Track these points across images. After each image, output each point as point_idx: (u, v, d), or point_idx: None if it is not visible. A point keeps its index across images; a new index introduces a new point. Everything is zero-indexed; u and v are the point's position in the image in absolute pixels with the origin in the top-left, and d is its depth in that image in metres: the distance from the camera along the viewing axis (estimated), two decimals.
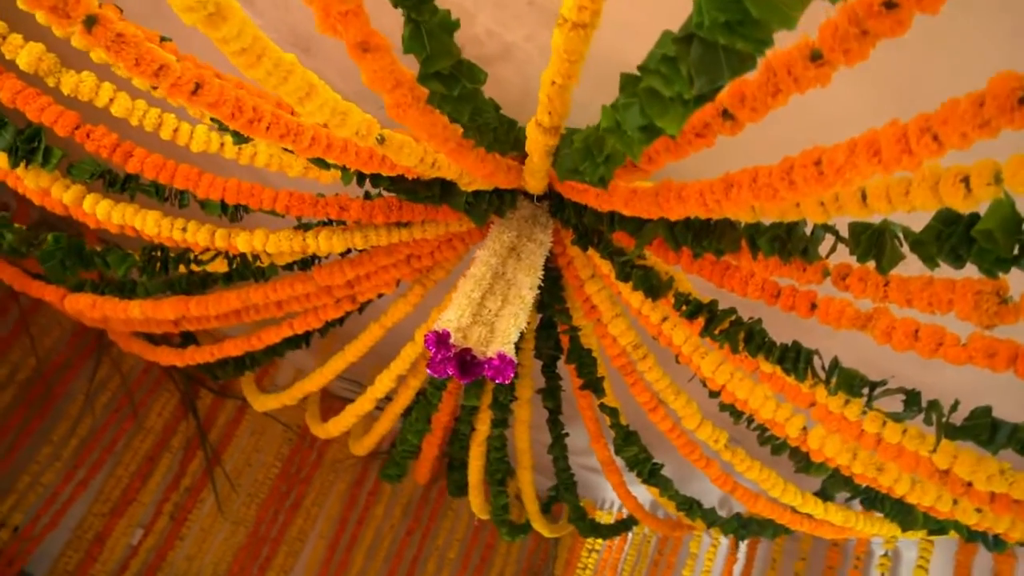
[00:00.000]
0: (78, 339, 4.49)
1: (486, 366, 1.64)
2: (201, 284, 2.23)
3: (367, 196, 1.81)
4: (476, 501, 2.85)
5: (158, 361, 2.73)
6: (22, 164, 1.59)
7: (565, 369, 2.37)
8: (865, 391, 1.33)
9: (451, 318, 1.65)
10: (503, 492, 2.70)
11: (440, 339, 1.63)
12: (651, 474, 2.25)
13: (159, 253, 1.91)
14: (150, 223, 1.74)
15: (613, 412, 2.21)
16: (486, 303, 1.74)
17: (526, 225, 1.84)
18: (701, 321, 1.55)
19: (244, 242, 1.77)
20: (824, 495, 2.11)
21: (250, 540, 4.68)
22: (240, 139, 1.39)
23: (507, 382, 1.65)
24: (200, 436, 4.66)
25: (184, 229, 1.76)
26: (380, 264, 2.03)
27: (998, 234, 0.93)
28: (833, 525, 2.26)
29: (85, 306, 2.31)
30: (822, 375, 1.39)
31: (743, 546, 3.60)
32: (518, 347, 2.20)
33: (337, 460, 4.95)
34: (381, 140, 1.27)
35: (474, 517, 4.66)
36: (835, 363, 1.36)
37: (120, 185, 1.70)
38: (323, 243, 1.80)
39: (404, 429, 2.47)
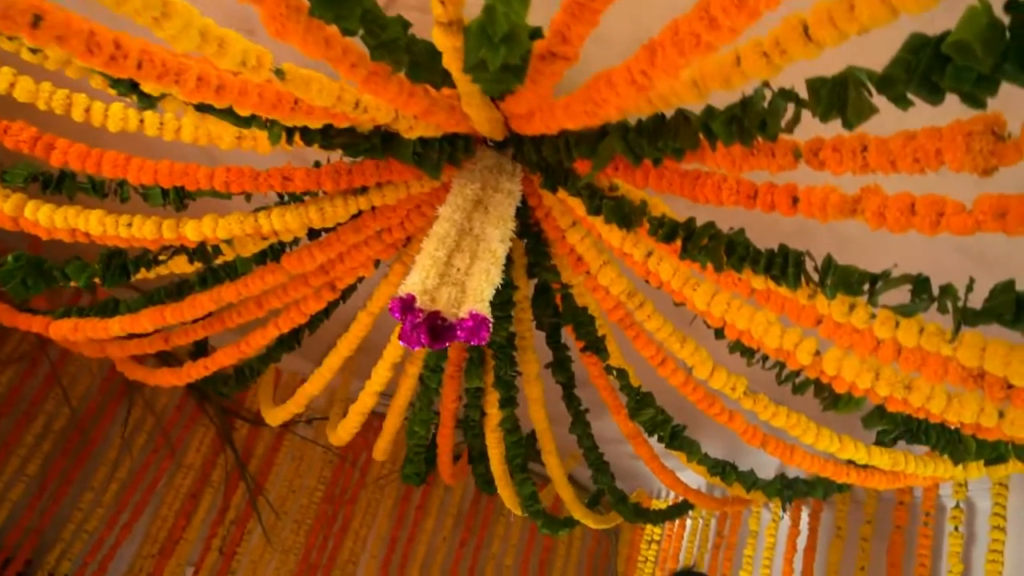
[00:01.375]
0: (108, 384, 4.49)
1: (458, 328, 1.50)
2: (178, 292, 2.14)
3: (317, 166, 1.70)
4: (505, 494, 2.69)
5: (159, 384, 2.65)
6: None
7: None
8: (866, 287, 1.14)
9: (415, 281, 1.52)
10: (527, 480, 2.53)
11: (405, 304, 1.50)
12: (673, 437, 2.07)
13: (117, 258, 1.82)
14: (93, 222, 1.65)
15: (622, 373, 2.04)
16: (453, 262, 1.60)
17: (491, 176, 1.70)
18: (679, 244, 1.38)
19: (193, 230, 1.67)
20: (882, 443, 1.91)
21: (301, 568, 4.58)
22: (145, 102, 1.28)
23: (482, 343, 1.50)
24: (240, 468, 4.60)
25: (129, 225, 1.66)
26: (349, 242, 1.91)
27: (975, 44, 0.76)
28: (883, 472, 2.05)
29: (68, 330, 2.24)
30: (816, 278, 1.21)
31: (805, 516, 3.36)
32: (511, 317, 2.05)
33: (380, 477, 4.84)
34: (280, 75, 1.15)
35: (510, 515, 4.49)
36: (828, 261, 1.18)
37: (55, 185, 1.61)
38: (276, 221, 1.68)
39: (409, 421, 2.34)
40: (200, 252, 1.80)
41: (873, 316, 1.21)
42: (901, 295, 1.13)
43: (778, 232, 1.58)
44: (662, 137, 1.20)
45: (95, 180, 1.63)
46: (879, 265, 1.19)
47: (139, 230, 1.65)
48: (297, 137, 1.43)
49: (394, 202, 1.75)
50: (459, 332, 1.49)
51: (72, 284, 1.88)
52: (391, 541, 4.76)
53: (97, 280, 1.86)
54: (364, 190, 1.72)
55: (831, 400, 1.67)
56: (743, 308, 1.48)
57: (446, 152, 1.58)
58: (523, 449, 2.38)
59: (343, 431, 2.54)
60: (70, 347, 2.89)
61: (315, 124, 1.39)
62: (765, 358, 1.69)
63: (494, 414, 2.30)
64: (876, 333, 1.20)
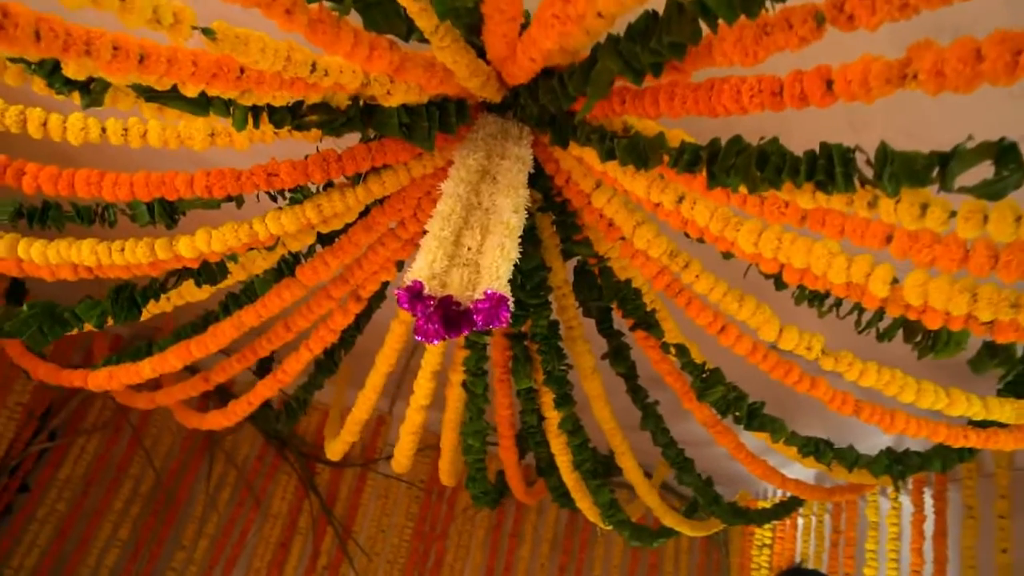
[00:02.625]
0: (189, 442, 4.50)
1: (474, 312, 1.33)
2: (203, 325, 2.04)
3: None
4: (584, 505, 2.47)
5: (210, 428, 2.57)
6: None
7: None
8: (936, 172, 0.90)
9: (422, 266, 1.36)
10: (603, 487, 2.30)
11: (413, 293, 1.34)
12: (751, 416, 1.81)
13: (124, 291, 1.72)
14: (86, 252, 1.56)
15: (681, 350, 1.81)
16: (463, 241, 1.43)
17: (496, 143, 1.53)
18: (704, 174, 1.16)
19: (187, 247, 1.55)
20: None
21: None
22: (86, 97, 1.17)
23: (504, 323, 1.32)
24: (326, 512, 4.52)
25: (122, 250, 1.56)
26: (363, 244, 1.77)
27: None
28: (1008, 430, 1.74)
29: (104, 380, 2.17)
30: (869, 175, 0.97)
31: (928, 499, 2.99)
32: (548, 303, 1.86)
33: (469, 507, 4.66)
34: (210, 34, 1.01)
35: (597, 528, 4.22)
36: (883, 148, 0.95)
37: (40, 218, 1.53)
38: (272, 225, 1.55)
39: (462, 435, 2.16)
40: (205, 272, 1.69)
41: (953, 214, 0.97)
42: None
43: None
44: (655, 35, 1.00)
45: (79, 206, 1.54)
46: None
47: (132, 254, 1.55)
48: (266, 122, 1.29)
49: (396, 188, 1.60)
50: (476, 316, 1.32)
51: (87, 327, 1.80)
52: (487, 572, 4.56)
53: (110, 320, 1.76)
54: (359, 179, 1.58)
55: (926, 343, 1.40)
56: (797, 241, 1.24)
57: (436, 119, 1.41)
58: (590, 452, 2.17)
59: (400, 455, 2.38)
60: (126, 402, 2.85)
61: (278, 100, 1.25)
62: (837, 304, 1.44)
63: (553, 416, 2.10)
64: (961, 233, 0.96)
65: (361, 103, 1.37)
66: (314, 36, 1.06)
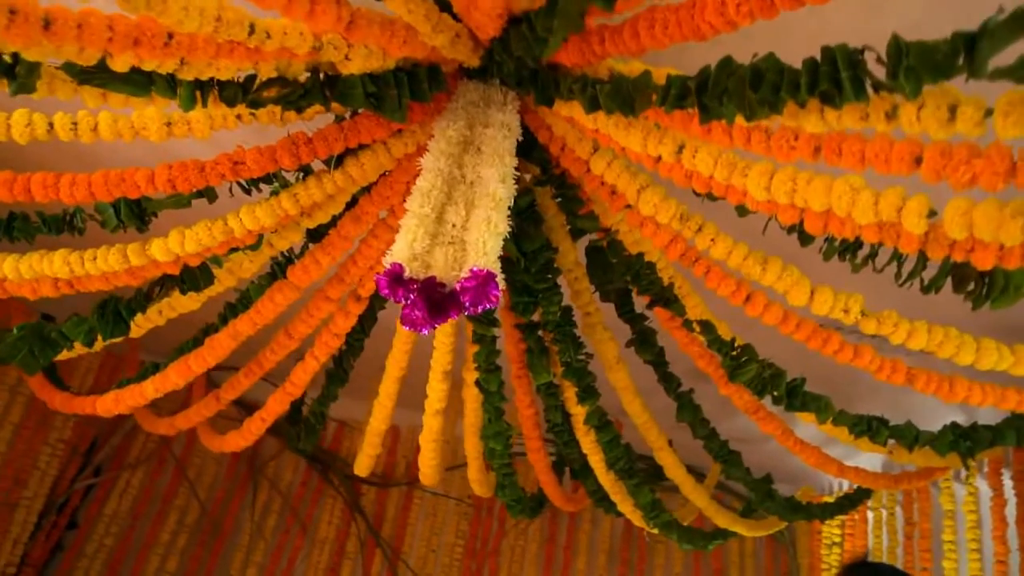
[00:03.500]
0: (232, 470, 4.46)
1: (460, 293, 1.20)
2: (203, 339, 1.95)
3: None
4: (625, 508, 2.30)
5: (231, 449, 2.48)
6: None
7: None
8: (961, 58, 0.74)
9: (401, 247, 1.24)
10: (641, 486, 2.13)
11: (393, 278, 1.22)
12: (792, 394, 1.63)
13: (110, 305, 1.64)
14: (58, 264, 1.48)
15: (707, 326, 1.65)
16: (447, 217, 1.31)
17: (477, 111, 1.40)
18: (696, 109, 1.01)
19: (160, 250, 1.46)
20: None
21: None
22: (16, 84, 1.08)
23: (493, 304, 1.18)
24: (373, 535, 4.41)
25: (95, 259, 1.48)
26: (353, 237, 1.65)
27: None
28: None
29: (111, 404, 2.10)
30: (883, 78, 0.81)
31: (1008, 481, 2.73)
32: (556, 288, 1.71)
33: (520, 521, 4.50)
34: None
35: (645, 533, 4.00)
36: (895, 41, 0.79)
37: (6, 229, 1.46)
38: (247, 220, 1.45)
39: (482, 439, 2.02)
40: (187, 278, 1.59)
41: (988, 113, 0.80)
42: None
43: None
44: None
45: (45, 215, 1.46)
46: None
47: (105, 262, 1.46)
48: (219, 102, 1.19)
49: (377, 170, 1.48)
50: (464, 298, 1.19)
51: (77, 347, 1.72)
52: None
53: (100, 337, 1.68)
54: (335, 162, 1.46)
55: (979, 290, 1.21)
56: (814, 180, 1.08)
57: (405, 86, 1.29)
58: (623, 449, 2.00)
59: (425, 467, 2.24)
60: (150, 428, 2.79)
61: (223, 72, 1.14)
62: (872, 255, 1.26)
63: (578, 412, 1.95)
64: (1000, 133, 0.79)
65: (322, 75, 1.26)
66: None
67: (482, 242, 1.23)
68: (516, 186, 1.35)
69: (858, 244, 1.25)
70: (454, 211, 1.30)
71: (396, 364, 1.98)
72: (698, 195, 1.35)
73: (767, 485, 2.43)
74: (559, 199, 1.59)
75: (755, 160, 1.14)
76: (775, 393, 1.64)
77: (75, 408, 2.30)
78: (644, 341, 1.89)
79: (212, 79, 1.16)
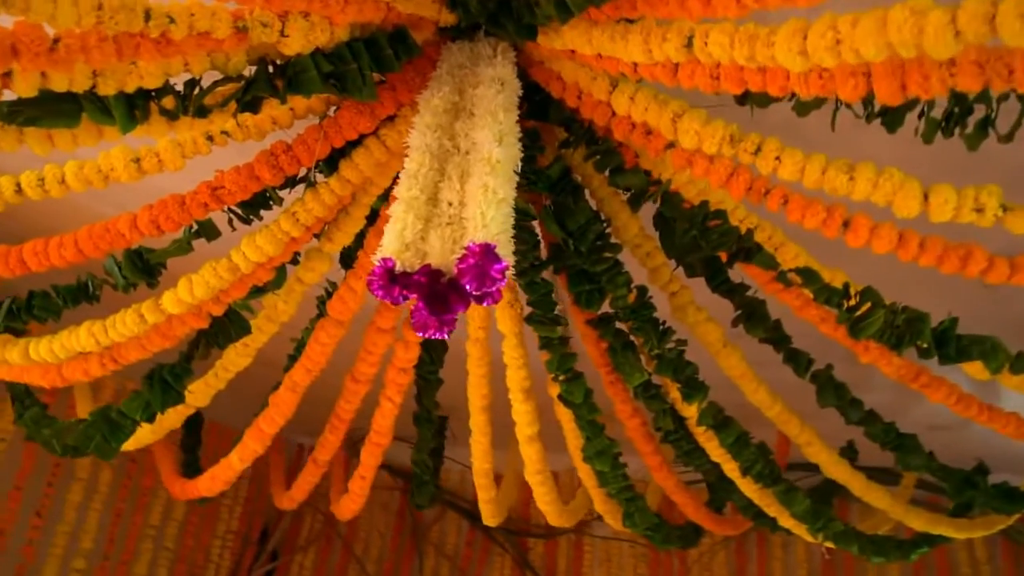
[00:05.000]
0: (397, 541, 4.40)
1: (459, 276, 1.00)
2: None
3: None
4: (786, 520, 1.93)
5: (343, 516, 2.35)
6: None
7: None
8: None
9: (390, 238, 1.06)
10: (791, 490, 1.77)
11: (386, 276, 1.04)
12: (942, 341, 1.26)
13: (157, 375, 1.56)
14: (83, 336, 1.41)
15: (807, 274, 1.32)
16: (442, 196, 1.12)
17: (465, 72, 1.22)
18: None
19: (171, 302, 1.35)
20: None
21: None
22: None
23: (499, 281, 0.98)
24: None
25: (113, 325, 1.40)
26: None
27: None
28: None
29: (210, 484, 2.04)
30: None
31: None
32: (619, 266, 1.45)
33: (704, 554, 4.08)
34: None
35: (822, 549, 3.45)
36: None
37: (28, 310, 1.41)
38: (251, 252, 1.32)
39: (585, 461, 1.75)
40: (219, 330, 1.48)
41: None
42: None
43: None
44: None
45: (58, 287, 1.40)
46: None
47: (124, 325, 1.37)
48: (157, 115, 1.06)
49: (375, 167, 1.30)
50: (465, 280, 0.98)
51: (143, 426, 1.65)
52: None
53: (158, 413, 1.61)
54: (326, 169, 1.31)
55: None
56: (862, 20, 0.78)
57: (364, 57, 1.11)
58: (753, 449, 1.67)
59: (545, 505, 2.00)
60: (278, 504, 2.73)
61: (148, 80, 1.01)
62: (989, 121, 0.92)
63: (689, 412, 1.65)
64: None
65: (270, 66, 1.11)
66: None
67: (480, 213, 1.02)
68: (523, 144, 1.13)
69: (963, 105, 0.92)
70: (449, 187, 1.10)
71: (477, 392, 1.77)
72: (741, 102, 1.07)
73: (964, 472, 1.97)
74: (593, 158, 1.34)
75: (779, 21, 0.86)
76: (921, 344, 1.27)
77: (189, 494, 2.27)
78: (752, 315, 1.57)
79: (145, 91, 1.04)
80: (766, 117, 1.11)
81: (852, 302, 1.29)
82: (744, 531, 3.01)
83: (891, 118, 0.97)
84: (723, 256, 1.37)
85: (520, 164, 1.33)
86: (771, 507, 1.87)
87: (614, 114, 1.23)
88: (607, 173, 1.35)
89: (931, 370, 1.60)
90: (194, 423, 3.71)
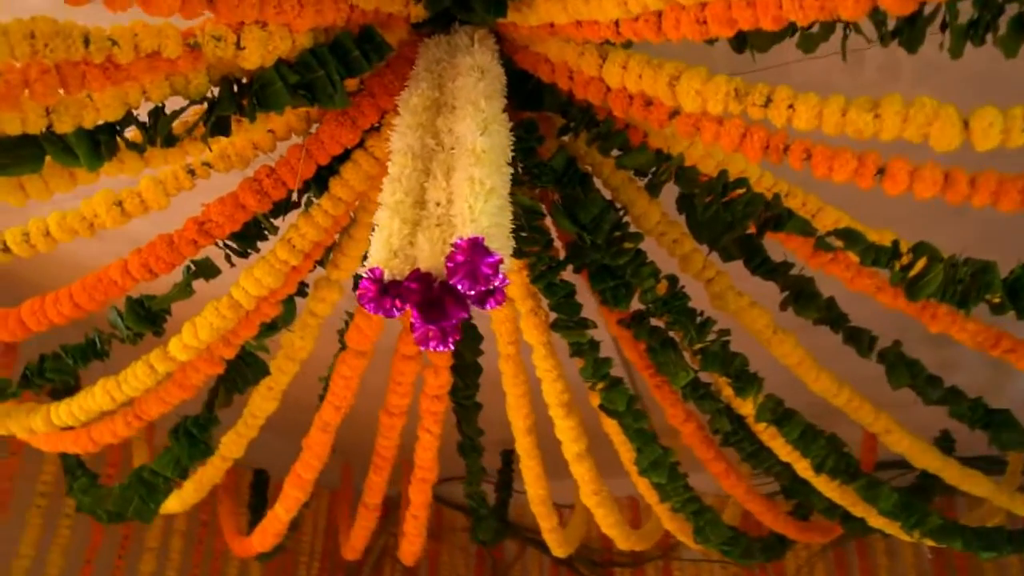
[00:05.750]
0: None
1: (450, 276, 0.93)
2: None
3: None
4: (875, 519, 1.75)
5: (406, 560, 2.25)
6: None
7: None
8: None
9: (377, 247, 0.99)
10: (879, 488, 1.59)
11: (375, 288, 0.98)
12: (1016, 293, 1.10)
13: (183, 428, 1.51)
14: (99, 395, 1.38)
15: (849, 236, 1.18)
16: (429, 196, 1.05)
17: (443, 66, 1.15)
18: None
19: (178, 348, 1.30)
20: None
21: None
22: None
23: (493, 278, 0.90)
24: None
25: (126, 379, 1.35)
26: None
27: None
28: None
29: (262, 538, 1.97)
30: None
31: None
32: (642, 258, 1.34)
33: (802, 567, 3.83)
34: None
35: (925, 548, 3.15)
36: None
37: (39, 373, 1.38)
38: (251, 287, 1.26)
39: (641, 474, 1.61)
40: (236, 374, 1.42)
41: None
42: None
43: None
44: None
45: (68, 347, 1.37)
46: None
47: (136, 378, 1.33)
48: (125, 149, 1.02)
49: (367, 180, 1.23)
50: (455, 279, 0.90)
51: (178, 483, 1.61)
52: None
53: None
54: (316, 189, 1.24)
55: None
56: None
57: (331, 63, 1.05)
58: (823, 442, 1.52)
59: (612, 532, 1.85)
60: (345, 555, 2.66)
61: (105, 111, 0.96)
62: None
63: (745, 409, 1.51)
64: None
65: (234, 84, 1.06)
66: None
67: (467, 207, 0.94)
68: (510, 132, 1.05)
69: (992, 2, 0.79)
70: (435, 187, 1.03)
71: (518, 413, 1.66)
72: (738, 48, 0.97)
73: None
74: (596, 142, 1.24)
75: None
76: (992, 299, 1.11)
77: (246, 550, 2.22)
78: (801, 295, 1.44)
79: (109, 125, 1.00)
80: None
81: (905, 260, 1.14)
82: (840, 539, 2.80)
83: (909, 35, 0.84)
84: (751, 228, 1.24)
85: (520, 157, 1.26)
86: (856, 506, 1.70)
87: (609, 89, 1.13)
88: (614, 156, 1.25)
89: (1013, 334, 1.43)
90: (260, 482, 3.71)
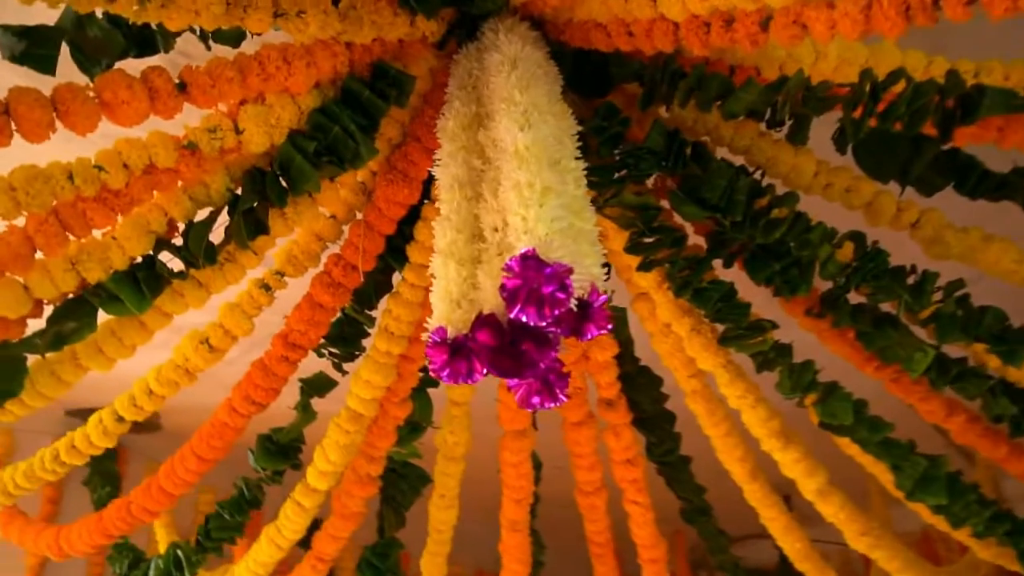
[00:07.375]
0: None
1: (510, 308, 0.74)
2: None
3: None
4: (967, 541, 1.22)
5: None
6: None
7: None
8: None
9: (437, 301, 0.83)
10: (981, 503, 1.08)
11: (446, 351, 0.81)
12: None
13: (363, 564, 1.38)
14: (267, 547, 1.29)
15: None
16: (485, 223, 0.88)
17: (476, 76, 0.98)
18: None
19: (315, 478, 1.19)
20: None
21: None
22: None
23: (568, 296, 0.70)
24: None
25: (283, 525, 1.25)
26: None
27: None
28: None
29: None
30: None
31: None
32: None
33: None
34: None
35: None
36: None
37: (202, 542, 1.32)
38: (363, 392, 1.13)
39: (917, 500, 1.22)
40: (395, 490, 1.28)
41: None
42: None
43: None
44: None
45: (220, 511, 1.30)
46: None
47: (291, 522, 1.23)
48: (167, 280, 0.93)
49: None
50: (514, 309, 0.71)
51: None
52: None
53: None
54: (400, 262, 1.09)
55: None
56: None
57: (345, 117, 0.90)
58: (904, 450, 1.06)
59: (890, 564, 1.45)
60: None
61: (132, 246, 0.88)
62: None
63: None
64: None
65: (258, 175, 0.94)
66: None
67: (519, 219, 0.74)
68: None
69: None
70: (487, 211, 0.85)
71: (730, 457, 1.35)
72: None
73: None
74: (691, 98, 0.97)
75: None
76: None
77: None
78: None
79: (146, 259, 0.92)
80: None
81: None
82: None
83: None
84: (933, 132, 0.89)
85: (607, 149, 1.03)
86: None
87: (677, 26, 0.88)
88: (720, 108, 0.98)
89: None
90: None
